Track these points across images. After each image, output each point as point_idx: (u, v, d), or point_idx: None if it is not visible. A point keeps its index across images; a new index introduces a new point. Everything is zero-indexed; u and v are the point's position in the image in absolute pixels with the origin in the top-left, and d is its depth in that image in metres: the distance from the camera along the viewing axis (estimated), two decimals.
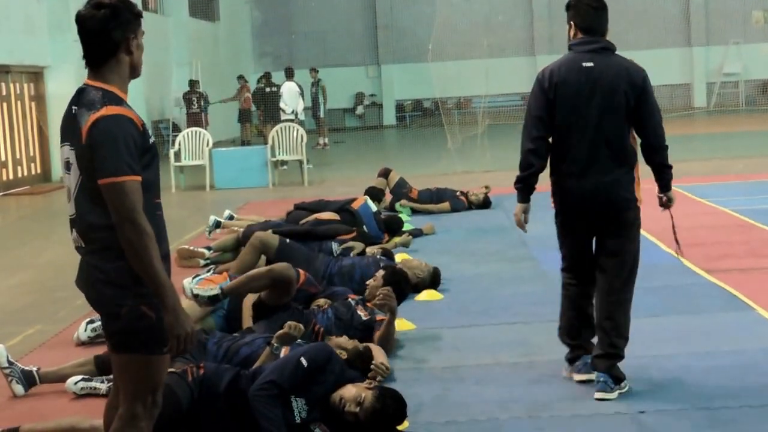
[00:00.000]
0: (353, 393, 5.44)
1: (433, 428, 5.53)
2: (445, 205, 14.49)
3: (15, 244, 14.05)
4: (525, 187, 6.36)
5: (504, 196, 15.30)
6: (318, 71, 30.21)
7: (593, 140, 6.13)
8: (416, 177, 16.38)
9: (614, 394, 6.09)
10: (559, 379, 6.50)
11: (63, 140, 4.26)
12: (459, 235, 12.47)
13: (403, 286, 7.99)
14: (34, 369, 6.71)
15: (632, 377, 6.43)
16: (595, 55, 6.15)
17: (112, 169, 3.99)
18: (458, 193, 14.75)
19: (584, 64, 6.13)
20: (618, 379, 6.15)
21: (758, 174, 17.14)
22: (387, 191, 14.56)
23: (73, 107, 4.19)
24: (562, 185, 6.27)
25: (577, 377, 6.39)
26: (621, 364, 6.26)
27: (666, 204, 6.64)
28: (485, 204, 14.66)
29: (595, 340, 6.37)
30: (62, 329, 8.47)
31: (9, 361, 6.65)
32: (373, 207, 12.31)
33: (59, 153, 4.30)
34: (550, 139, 6.27)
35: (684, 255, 8.09)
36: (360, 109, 40.20)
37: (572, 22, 6.26)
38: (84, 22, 4.14)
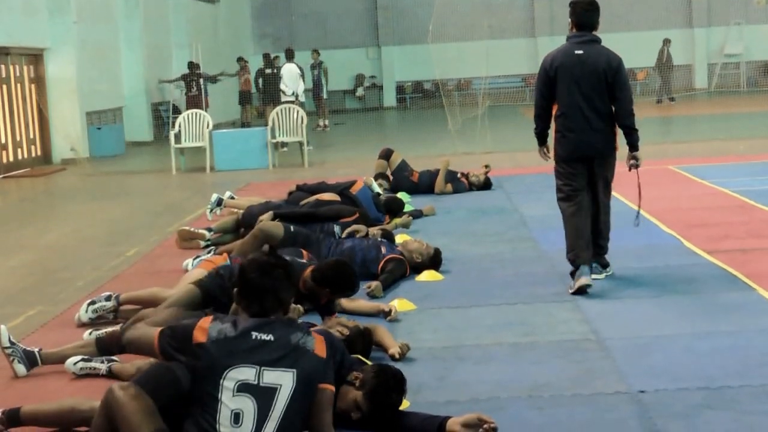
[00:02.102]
0: (349, 400, 5.37)
1: (434, 408, 5.53)
2: (448, 186, 14.47)
3: (15, 225, 14.04)
4: (539, 138, 8.70)
5: (504, 177, 15.32)
6: (320, 53, 30.18)
7: (583, 107, 8.25)
8: (416, 158, 16.37)
9: (602, 275, 8.55)
10: (559, 360, 6.51)
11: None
12: (459, 216, 12.47)
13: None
14: (36, 350, 6.71)
15: (632, 357, 6.46)
16: (585, 45, 8.29)
17: None
18: (459, 175, 14.73)
19: (576, 52, 8.26)
20: (604, 265, 8.64)
21: (759, 155, 17.12)
22: (388, 172, 14.54)
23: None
24: (564, 139, 8.34)
25: (578, 284, 8.08)
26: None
27: (634, 164, 8.49)
28: (486, 185, 14.65)
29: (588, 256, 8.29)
30: (63, 310, 8.48)
31: (11, 341, 6.65)
32: (377, 188, 12.30)
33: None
34: (555, 107, 8.37)
35: (638, 225, 9.35)
36: (360, 91, 40.14)
37: (571, 19, 8.39)
38: None
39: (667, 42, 33.94)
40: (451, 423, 5.14)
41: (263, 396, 4.46)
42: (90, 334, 7.30)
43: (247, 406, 4.44)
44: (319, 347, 4.65)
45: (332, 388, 4.75)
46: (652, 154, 18.10)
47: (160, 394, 5.12)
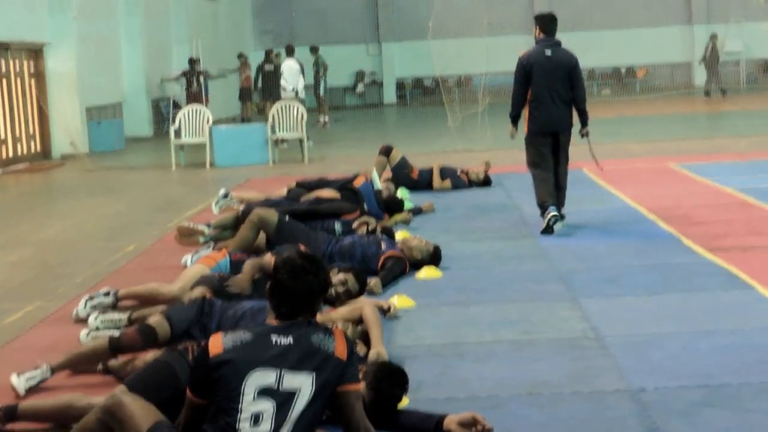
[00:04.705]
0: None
1: (434, 405, 5.52)
2: (446, 182, 14.47)
3: (15, 221, 14.03)
4: (513, 119, 11.16)
5: (504, 174, 15.32)
6: (319, 49, 30.16)
7: (551, 94, 10.88)
8: (416, 155, 16.36)
9: (561, 224, 10.73)
10: (559, 357, 6.50)
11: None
12: (459, 213, 12.46)
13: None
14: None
15: (632, 354, 6.45)
16: (552, 47, 10.96)
17: None
18: (459, 172, 14.72)
19: (546, 52, 10.94)
20: (562, 216, 10.85)
21: (759, 153, 17.12)
22: (388, 169, 14.53)
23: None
24: (536, 117, 10.94)
25: (547, 217, 10.60)
26: None
27: (585, 134, 11.24)
28: (486, 182, 14.65)
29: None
30: (62, 306, 8.47)
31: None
32: (378, 184, 12.30)
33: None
34: (528, 94, 10.95)
35: (603, 168, 12.40)
36: (360, 87, 40.12)
37: (537, 27, 11.13)
38: None
39: (714, 37, 33.85)
40: (448, 421, 5.13)
41: (283, 399, 4.43)
42: (87, 335, 7.27)
43: (267, 408, 4.41)
44: (339, 348, 4.59)
45: (358, 387, 4.69)
46: (651, 151, 18.12)
47: (157, 392, 5.12)
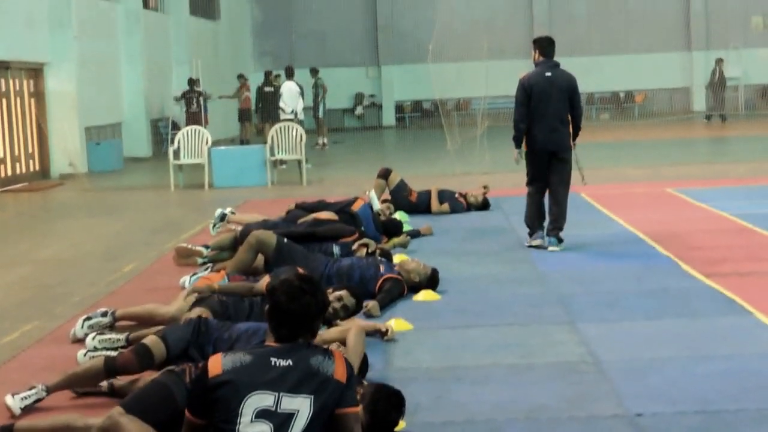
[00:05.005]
0: None
1: (431, 429, 5.52)
2: (444, 206, 14.48)
3: (13, 240, 14.03)
4: (516, 141, 11.38)
5: (503, 197, 15.32)
6: (319, 71, 30.23)
7: (551, 115, 11.15)
8: (415, 178, 16.37)
9: (559, 248, 11.11)
10: (556, 382, 6.49)
11: None
12: (457, 236, 12.46)
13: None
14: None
15: (629, 379, 6.44)
16: (552, 69, 11.28)
17: None
18: (457, 195, 14.73)
19: (546, 74, 11.24)
20: (560, 240, 11.20)
21: (758, 178, 17.14)
22: (386, 192, 14.54)
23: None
24: (535, 136, 11.20)
25: (532, 243, 11.28)
26: None
27: (573, 145, 11.37)
28: (484, 205, 14.65)
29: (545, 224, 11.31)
30: (59, 326, 8.45)
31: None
32: (376, 205, 12.30)
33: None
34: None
35: (587, 182, 12.41)
36: (359, 110, 40.19)
37: (536, 51, 11.45)
38: None
39: (720, 62, 33.88)
40: None
41: (281, 421, 4.42)
42: (84, 355, 7.25)
43: (265, 430, 4.40)
44: (339, 371, 4.58)
45: (356, 409, 4.68)
46: (650, 176, 18.14)
47: (154, 413, 5.11)
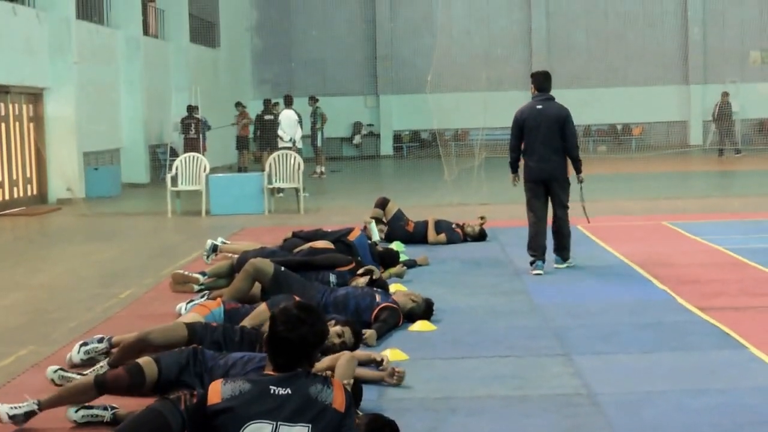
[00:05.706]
0: None
1: None
2: (441, 236, 14.49)
3: (9, 264, 14.03)
4: (512, 167, 12.12)
5: (499, 228, 15.34)
6: (318, 99, 30.31)
7: (542, 145, 11.77)
8: (412, 208, 16.40)
9: (564, 265, 11.94)
10: (551, 414, 6.50)
11: None
12: (453, 267, 12.48)
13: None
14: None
15: (624, 412, 6.45)
16: (544, 102, 11.91)
17: None
18: (454, 225, 14.76)
19: (537, 107, 11.88)
20: (566, 259, 12.00)
21: (754, 213, 17.18)
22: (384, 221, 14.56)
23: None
24: (530, 167, 11.88)
25: (534, 272, 11.64)
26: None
27: (580, 180, 12.01)
28: (481, 236, 14.67)
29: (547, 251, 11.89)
30: (55, 351, 8.45)
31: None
32: (376, 235, 12.31)
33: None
34: (522, 145, 11.95)
35: (590, 221, 13.04)
36: (357, 139, 40.28)
37: (533, 85, 12.04)
38: None
39: (725, 95, 33.95)
40: None
41: None
42: (54, 371, 7.26)
43: None
44: (338, 400, 4.60)
45: None
46: (646, 209, 18.18)
47: None
